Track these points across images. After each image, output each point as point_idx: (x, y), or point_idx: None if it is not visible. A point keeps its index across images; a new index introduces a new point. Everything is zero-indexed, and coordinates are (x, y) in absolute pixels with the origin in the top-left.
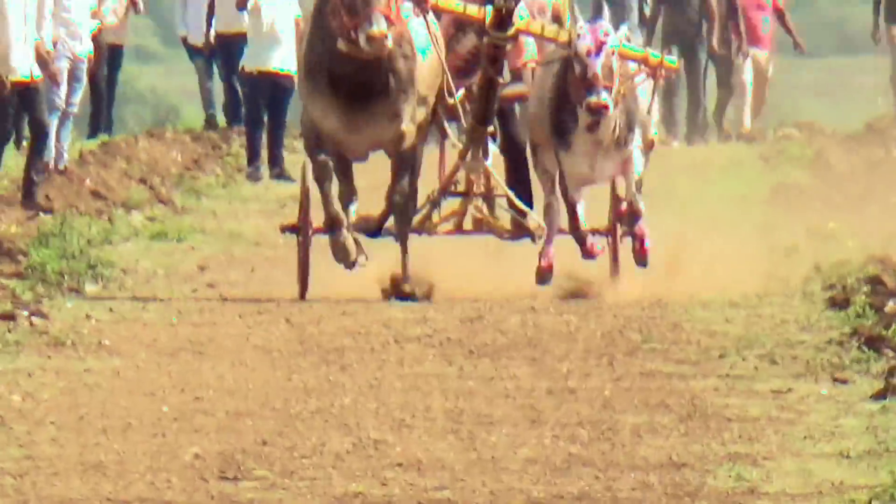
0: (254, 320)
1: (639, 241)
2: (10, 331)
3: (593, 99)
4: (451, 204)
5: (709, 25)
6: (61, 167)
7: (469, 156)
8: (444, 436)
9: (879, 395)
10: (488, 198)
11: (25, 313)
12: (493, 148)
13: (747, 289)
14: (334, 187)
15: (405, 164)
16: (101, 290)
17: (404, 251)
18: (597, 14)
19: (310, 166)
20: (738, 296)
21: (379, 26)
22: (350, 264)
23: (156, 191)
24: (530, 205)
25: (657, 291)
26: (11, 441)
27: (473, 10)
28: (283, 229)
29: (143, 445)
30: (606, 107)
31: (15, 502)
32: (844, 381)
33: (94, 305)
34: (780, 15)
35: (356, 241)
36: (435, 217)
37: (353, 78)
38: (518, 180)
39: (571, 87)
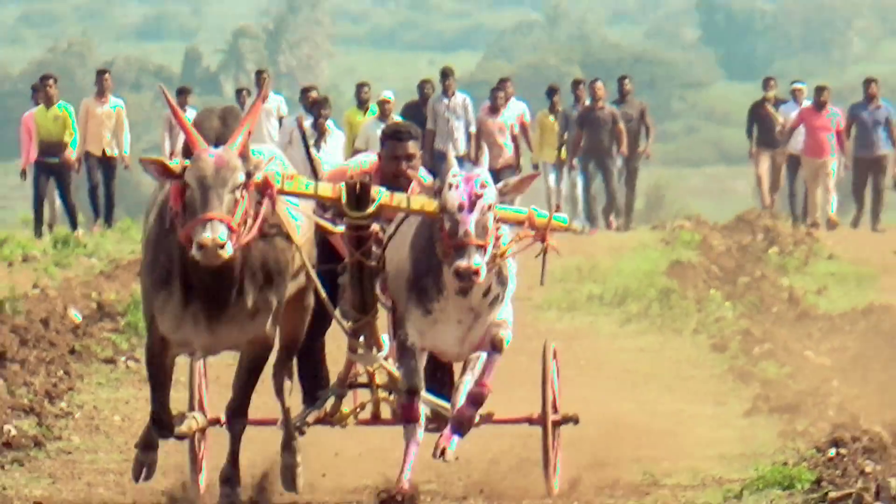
0: None
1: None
2: (111, 371)
3: (463, 262)
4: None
5: (618, 143)
6: None
7: (359, 348)
8: None
9: (748, 414)
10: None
11: (123, 359)
12: (388, 341)
13: (652, 340)
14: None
15: (254, 364)
16: None
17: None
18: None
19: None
20: (644, 343)
21: (213, 233)
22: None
23: None
24: (448, 392)
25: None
26: (114, 448)
27: (327, 189)
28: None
29: (209, 451)
30: (477, 272)
31: (116, 493)
32: (723, 404)
33: None
34: (839, 135)
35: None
36: (346, 408)
37: (206, 279)
38: (436, 366)
39: (439, 244)
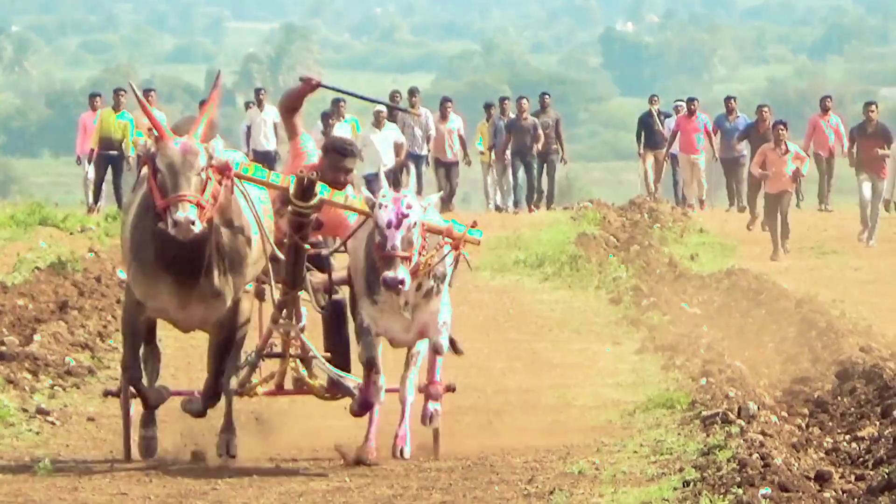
0: None
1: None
2: None
3: (389, 274)
4: (272, 364)
5: (536, 142)
6: None
7: (281, 318)
8: None
9: (638, 352)
10: (305, 358)
11: None
12: (306, 313)
13: (563, 294)
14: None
15: (222, 346)
16: None
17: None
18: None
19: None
20: (558, 297)
21: (184, 212)
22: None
23: None
24: (348, 364)
25: None
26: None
27: (278, 178)
28: (106, 394)
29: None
30: (403, 282)
31: None
32: (619, 344)
33: None
34: (709, 134)
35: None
36: (255, 378)
37: (178, 255)
38: (336, 340)
39: (375, 254)
